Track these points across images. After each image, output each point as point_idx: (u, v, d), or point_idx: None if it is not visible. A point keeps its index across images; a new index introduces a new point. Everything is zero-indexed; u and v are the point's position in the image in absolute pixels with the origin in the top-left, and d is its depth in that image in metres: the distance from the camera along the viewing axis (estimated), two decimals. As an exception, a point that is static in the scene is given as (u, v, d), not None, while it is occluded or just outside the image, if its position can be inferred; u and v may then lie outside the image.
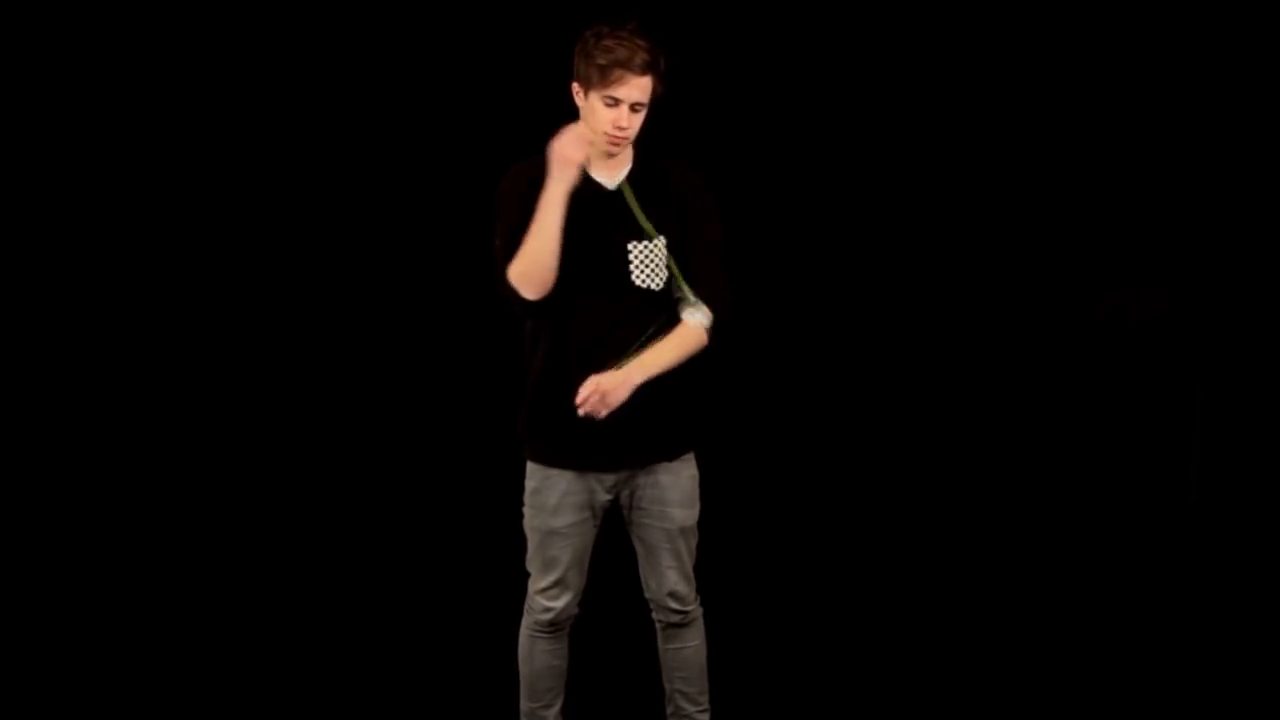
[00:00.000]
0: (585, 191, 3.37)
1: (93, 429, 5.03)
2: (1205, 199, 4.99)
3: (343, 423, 5.09)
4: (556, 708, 3.71)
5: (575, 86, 3.34)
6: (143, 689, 4.28)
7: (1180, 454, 5.13)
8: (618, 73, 3.24)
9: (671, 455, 3.50)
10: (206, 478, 5.07)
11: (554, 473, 3.46)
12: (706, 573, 3.65)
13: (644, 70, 3.26)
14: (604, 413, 3.30)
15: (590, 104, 3.31)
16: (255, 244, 5.02)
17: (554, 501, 3.46)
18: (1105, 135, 4.98)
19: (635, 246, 3.38)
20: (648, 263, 3.39)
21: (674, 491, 3.50)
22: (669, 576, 3.56)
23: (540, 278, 3.29)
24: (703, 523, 3.59)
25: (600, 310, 3.37)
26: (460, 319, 4.93)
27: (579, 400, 3.29)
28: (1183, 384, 5.09)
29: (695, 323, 3.39)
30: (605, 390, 3.29)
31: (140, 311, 5.01)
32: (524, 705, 3.71)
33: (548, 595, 3.54)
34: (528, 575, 3.58)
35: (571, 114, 3.39)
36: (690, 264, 3.44)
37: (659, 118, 3.41)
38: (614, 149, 3.34)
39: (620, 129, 3.29)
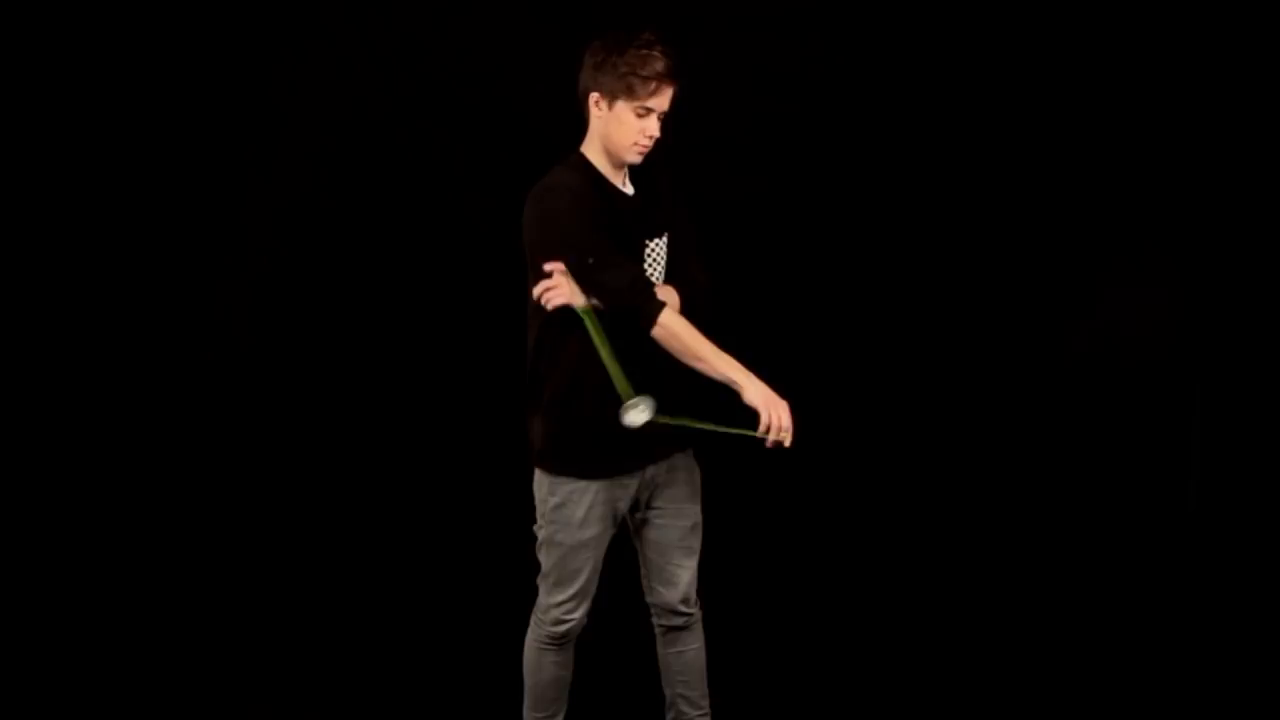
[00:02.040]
0: (612, 196, 3.37)
1: (94, 431, 5.03)
2: (1205, 202, 5.00)
3: (347, 433, 5.10)
4: (560, 717, 3.71)
5: (595, 97, 3.30)
6: (143, 689, 4.27)
7: (1178, 463, 5.13)
8: (656, 84, 3.24)
9: (684, 445, 3.52)
10: (213, 484, 5.08)
11: (582, 484, 3.41)
12: (704, 576, 3.65)
13: (675, 79, 3.27)
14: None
15: (617, 114, 3.29)
16: (260, 250, 5.03)
17: (581, 514, 3.42)
18: (1104, 138, 4.99)
19: (648, 245, 3.41)
20: (658, 260, 3.42)
21: (688, 486, 3.52)
22: (682, 578, 3.56)
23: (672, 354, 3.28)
24: (703, 527, 3.59)
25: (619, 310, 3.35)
26: (462, 328, 4.94)
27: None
28: (1181, 392, 5.10)
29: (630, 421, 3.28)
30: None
31: (146, 321, 5.03)
32: (528, 716, 3.69)
33: (565, 609, 3.51)
34: (535, 588, 3.56)
35: (572, 120, 3.41)
36: (686, 262, 3.46)
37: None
38: (639, 158, 3.35)
39: (651, 138, 3.30)
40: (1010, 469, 5.13)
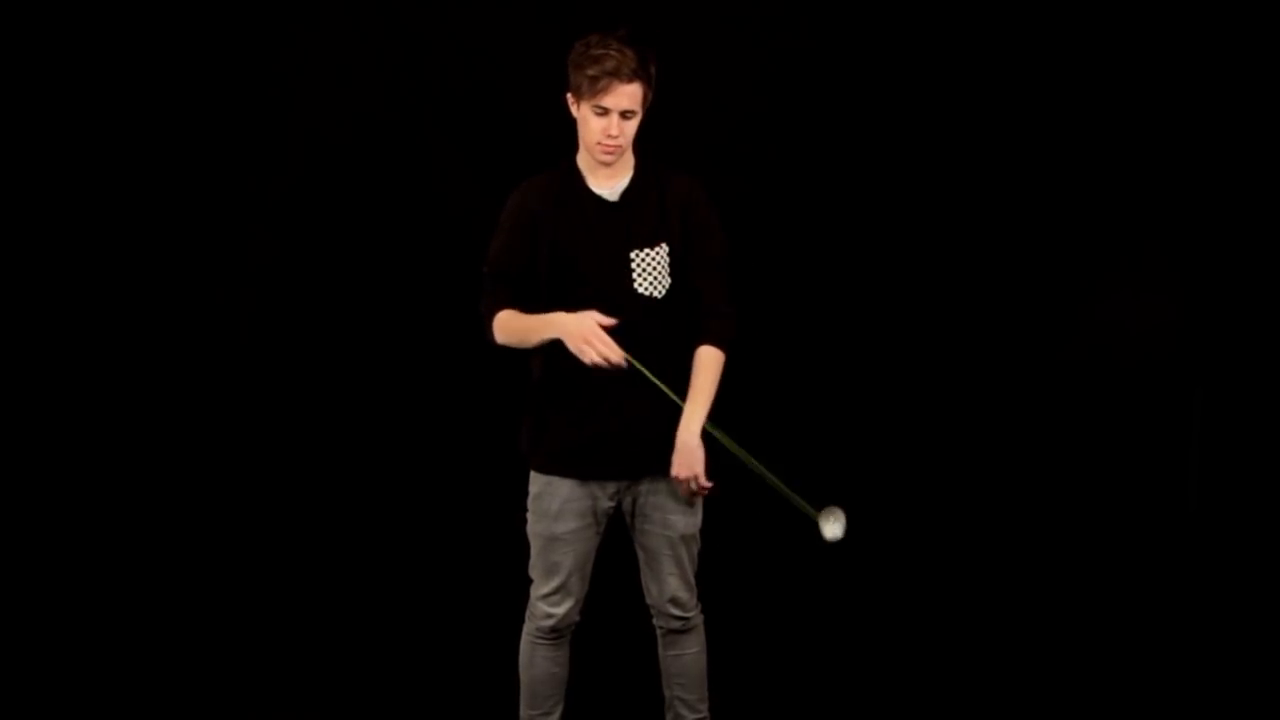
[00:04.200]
0: (586, 203, 3.38)
1: (94, 434, 5.04)
2: (1205, 203, 5.00)
3: (346, 430, 5.10)
4: (556, 716, 3.70)
5: (569, 98, 3.35)
6: (143, 689, 4.28)
7: (1179, 463, 5.13)
8: (605, 81, 3.24)
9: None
10: (208, 480, 5.08)
11: (556, 479, 3.46)
12: (707, 580, 3.66)
13: (631, 78, 3.25)
14: (702, 478, 3.39)
15: (582, 114, 3.32)
16: (258, 251, 5.04)
17: (555, 507, 3.47)
18: (1105, 140, 4.99)
19: (637, 255, 3.39)
20: (650, 271, 3.40)
21: (676, 499, 3.50)
22: (670, 583, 3.57)
23: (514, 348, 3.44)
24: (704, 529, 3.59)
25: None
26: (462, 326, 4.93)
27: (687, 494, 3.42)
28: (1182, 392, 5.10)
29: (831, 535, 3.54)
30: (687, 472, 3.38)
31: (148, 321, 5.03)
32: (524, 713, 3.70)
33: (549, 601, 3.53)
34: (530, 582, 3.59)
35: (568, 124, 3.41)
36: (692, 280, 3.45)
37: (658, 123, 3.43)
38: (607, 158, 3.34)
39: (611, 137, 3.29)
40: (1011, 469, 5.13)
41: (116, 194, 4.96)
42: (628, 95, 3.27)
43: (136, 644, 4.55)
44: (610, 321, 3.26)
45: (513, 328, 3.40)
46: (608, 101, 3.26)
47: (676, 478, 3.39)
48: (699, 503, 3.55)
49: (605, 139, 3.29)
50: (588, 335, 3.25)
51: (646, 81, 3.29)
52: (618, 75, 3.24)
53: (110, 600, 4.80)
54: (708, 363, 3.44)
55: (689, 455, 3.38)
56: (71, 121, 4.90)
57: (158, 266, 5.01)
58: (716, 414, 3.53)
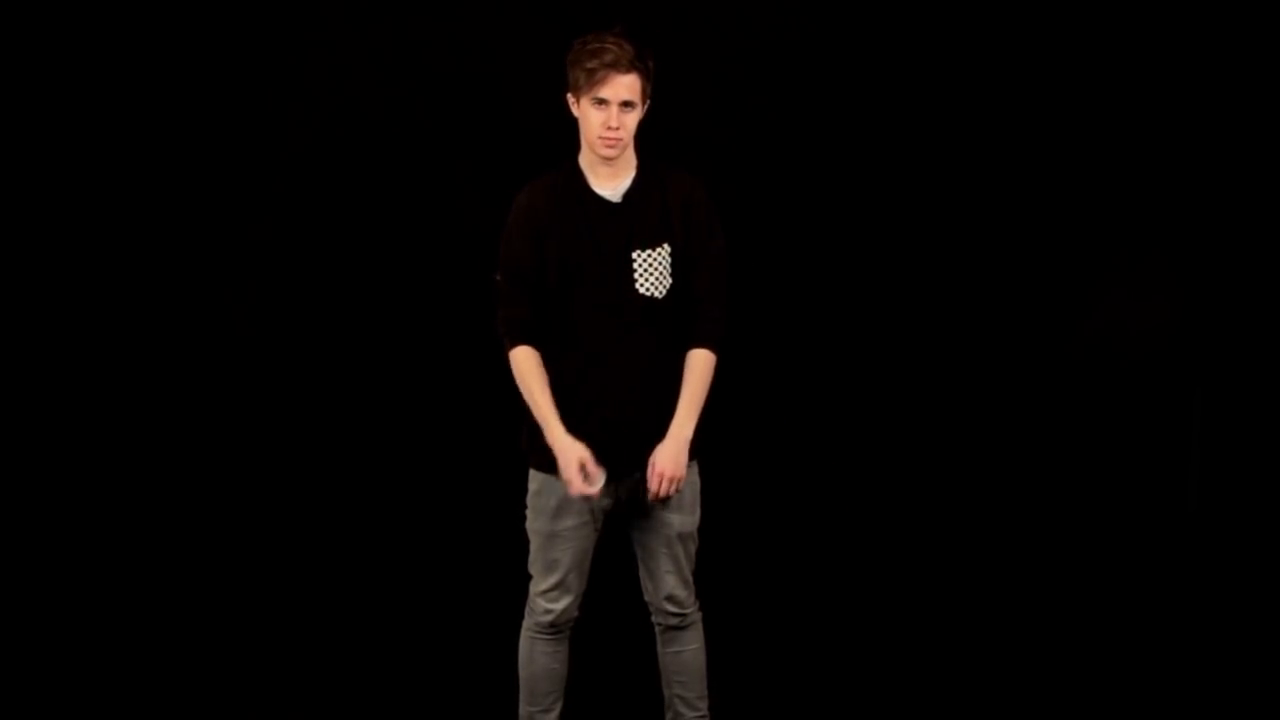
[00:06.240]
0: (588, 204, 3.40)
1: (95, 435, 5.04)
2: (1205, 202, 5.01)
3: (347, 430, 5.11)
4: (555, 712, 3.71)
5: (569, 98, 3.37)
6: (143, 689, 4.29)
7: (1179, 463, 5.14)
8: (602, 72, 3.27)
9: None
10: (209, 479, 5.09)
11: (554, 478, 3.47)
12: (706, 577, 3.66)
13: (628, 69, 3.28)
14: (678, 485, 3.43)
15: (582, 110, 3.34)
16: (259, 252, 5.05)
17: (554, 504, 3.48)
18: (1104, 140, 5.00)
19: (639, 255, 3.41)
20: (651, 271, 3.42)
21: (674, 498, 3.51)
22: (667, 580, 3.58)
23: None
24: (703, 527, 3.60)
25: (604, 319, 3.39)
26: (462, 324, 4.95)
27: (654, 496, 3.43)
28: (1182, 393, 5.11)
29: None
30: (670, 470, 3.40)
31: (150, 322, 5.04)
32: (523, 709, 3.71)
33: (548, 597, 3.55)
34: (529, 578, 3.60)
35: (569, 125, 3.42)
36: (691, 277, 3.46)
37: (658, 123, 3.44)
38: (609, 152, 3.36)
39: (611, 130, 3.32)
40: (1010, 469, 5.14)
41: (117, 195, 4.97)
42: (625, 86, 3.29)
43: (137, 644, 4.56)
44: (595, 471, 3.34)
45: (524, 384, 3.43)
46: (606, 93, 3.29)
47: (656, 472, 3.39)
48: (697, 501, 3.56)
49: (605, 132, 3.31)
50: (573, 474, 3.34)
51: (644, 74, 3.32)
52: (615, 67, 3.27)
53: (110, 600, 4.81)
54: (699, 365, 3.47)
55: (671, 457, 3.41)
56: (72, 121, 4.91)
57: (159, 268, 5.02)
58: (714, 412, 3.55)
